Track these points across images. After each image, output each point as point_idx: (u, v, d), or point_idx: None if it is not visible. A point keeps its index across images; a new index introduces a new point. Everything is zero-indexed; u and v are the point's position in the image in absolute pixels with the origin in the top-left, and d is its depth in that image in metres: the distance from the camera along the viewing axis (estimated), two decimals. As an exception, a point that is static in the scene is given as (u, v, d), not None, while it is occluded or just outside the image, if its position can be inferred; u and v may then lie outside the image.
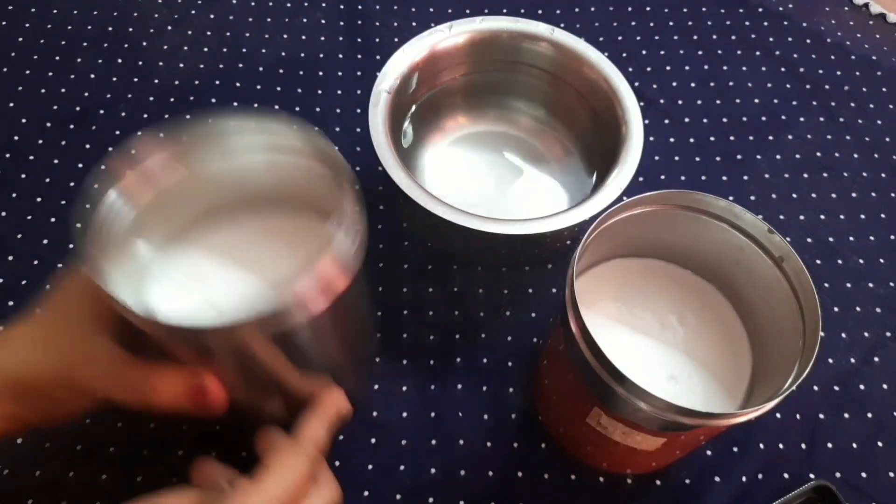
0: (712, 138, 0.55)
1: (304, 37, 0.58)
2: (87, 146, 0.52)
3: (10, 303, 0.46)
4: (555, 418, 0.42)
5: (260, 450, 0.30)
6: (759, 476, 0.42)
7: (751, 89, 0.57)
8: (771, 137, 0.55)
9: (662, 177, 0.53)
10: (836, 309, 0.48)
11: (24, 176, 0.50)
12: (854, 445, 0.43)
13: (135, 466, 0.40)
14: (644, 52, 0.59)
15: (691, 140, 0.55)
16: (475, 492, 0.41)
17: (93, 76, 0.55)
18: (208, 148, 0.31)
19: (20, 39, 0.57)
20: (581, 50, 0.47)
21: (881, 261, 0.50)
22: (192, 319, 0.25)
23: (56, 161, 0.51)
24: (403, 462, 0.42)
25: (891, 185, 0.53)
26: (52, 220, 0.48)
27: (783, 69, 0.59)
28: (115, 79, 0.55)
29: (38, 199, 0.49)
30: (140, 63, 0.56)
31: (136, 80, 0.55)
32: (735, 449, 0.43)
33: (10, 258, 0.47)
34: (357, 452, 0.42)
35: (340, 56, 0.58)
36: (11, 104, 0.53)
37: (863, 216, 0.52)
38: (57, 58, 0.56)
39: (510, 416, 0.44)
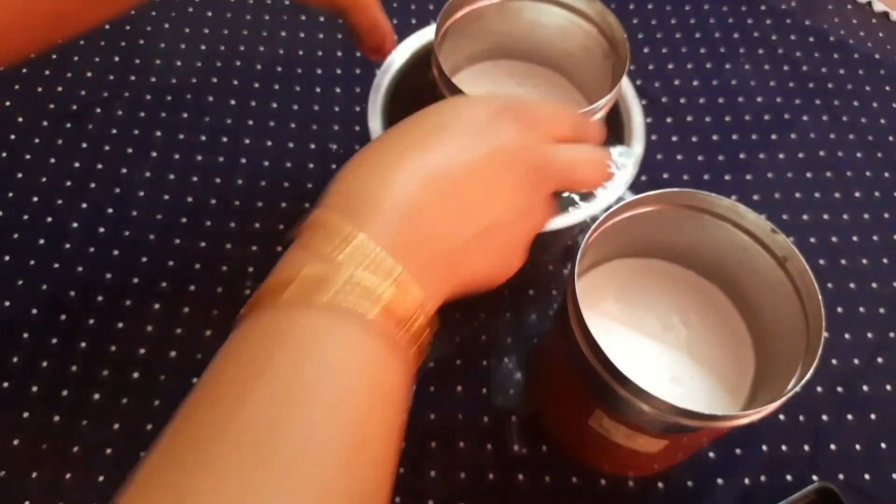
0: (715, 137, 0.54)
1: (302, 34, 0.58)
2: (84, 145, 0.51)
3: (7, 303, 0.45)
4: (556, 420, 0.42)
5: None
6: (762, 478, 0.42)
7: (754, 88, 0.57)
8: (774, 136, 0.55)
9: (665, 176, 0.52)
10: (839, 309, 0.48)
11: (20, 175, 0.50)
12: (857, 447, 0.43)
13: (132, 468, 0.40)
14: (646, 49, 0.59)
15: (694, 139, 0.54)
16: (476, 494, 0.41)
17: (89, 74, 0.54)
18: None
19: (16, 37, 0.56)
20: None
21: (885, 261, 0.50)
22: None
23: (52, 160, 0.50)
24: (403, 464, 0.41)
25: (894, 184, 0.53)
26: (49, 219, 0.48)
27: (786, 67, 0.58)
28: (111, 77, 0.54)
29: (35, 199, 0.49)
30: (137, 61, 0.55)
31: (132, 78, 0.55)
32: (738, 451, 0.43)
33: (7, 258, 0.47)
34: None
35: (339, 54, 0.57)
36: (8, 103, 0.53)
37: (866, 216, 0.51)
38: (53, 56, 0.55)
39: (510, 418, 0.43)
